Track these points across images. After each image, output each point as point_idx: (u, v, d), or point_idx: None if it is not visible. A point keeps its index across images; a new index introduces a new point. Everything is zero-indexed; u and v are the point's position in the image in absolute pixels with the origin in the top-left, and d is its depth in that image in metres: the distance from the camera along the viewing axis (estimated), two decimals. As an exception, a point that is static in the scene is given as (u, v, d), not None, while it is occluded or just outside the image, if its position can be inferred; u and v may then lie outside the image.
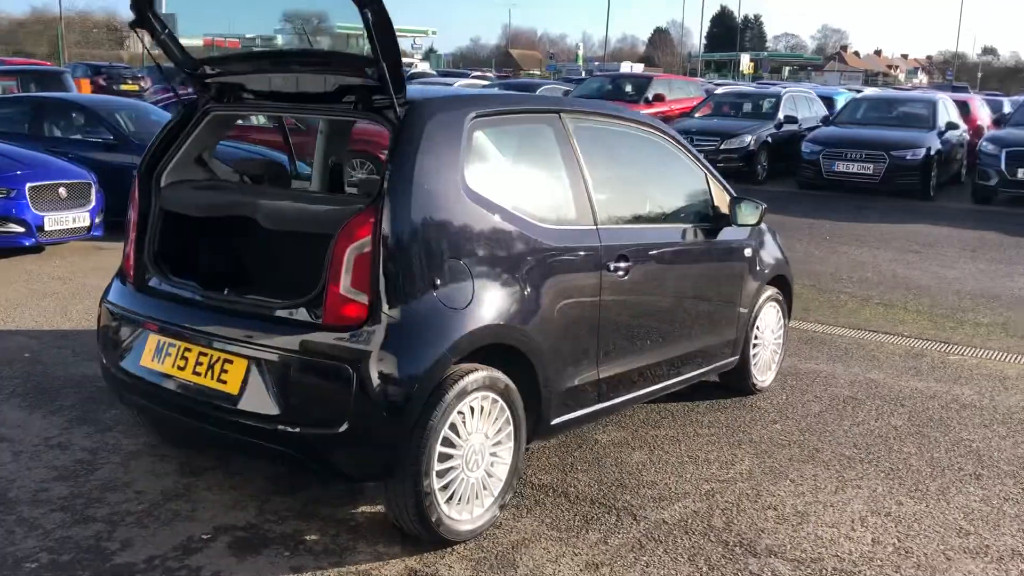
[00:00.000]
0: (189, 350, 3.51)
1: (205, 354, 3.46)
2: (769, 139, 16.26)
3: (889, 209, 13.59)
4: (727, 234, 4.92)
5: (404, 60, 3.62)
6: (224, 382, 3.37)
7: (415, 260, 3.29)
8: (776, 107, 16.94)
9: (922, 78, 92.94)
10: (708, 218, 4.84)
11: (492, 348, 3.49)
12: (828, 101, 19.43)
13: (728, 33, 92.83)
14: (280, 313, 3.36)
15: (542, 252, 3.72)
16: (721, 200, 4.92)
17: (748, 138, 15.87)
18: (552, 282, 3.75)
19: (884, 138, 14.27)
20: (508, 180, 3.77)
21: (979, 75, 79.89)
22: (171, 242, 3.91)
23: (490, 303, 3.46)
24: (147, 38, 3.81)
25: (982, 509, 4.03)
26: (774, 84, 30.81)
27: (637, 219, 4.44)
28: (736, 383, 5.36)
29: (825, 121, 17.18)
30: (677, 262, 4.60)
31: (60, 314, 6.56)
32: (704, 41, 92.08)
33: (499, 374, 3.49)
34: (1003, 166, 13.13)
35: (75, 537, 3.44)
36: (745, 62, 69.57)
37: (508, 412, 3.57)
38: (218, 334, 3.44)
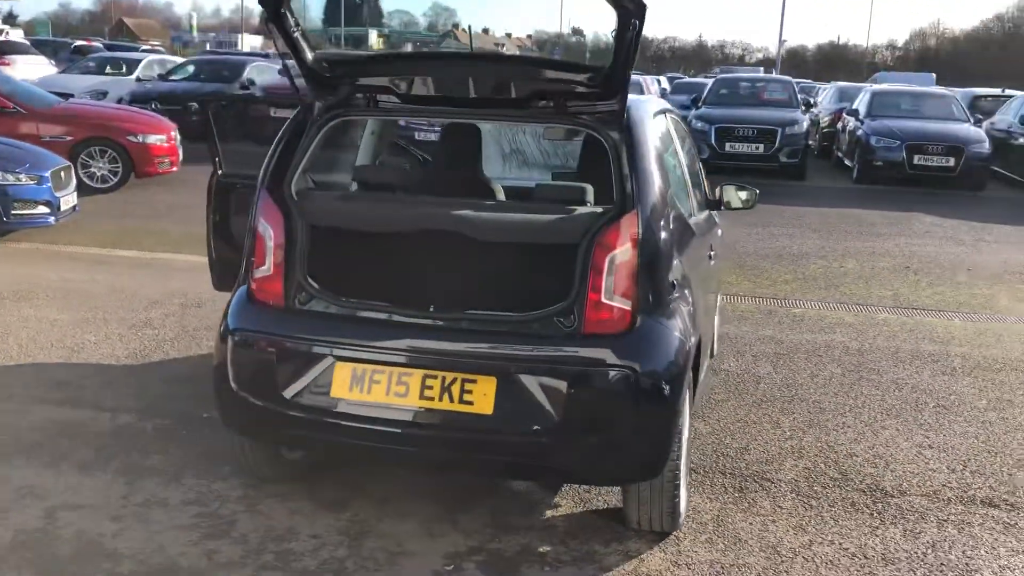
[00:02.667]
0: (408, 375, 3.27)
1: (433, 376, 3.24)
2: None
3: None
4: (715, 217, 5.39)
5: None
6: (470, 403, 3.21)
7: (662, 261, 3.37)
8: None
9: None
10: (709, 203, 5.27)
11: None
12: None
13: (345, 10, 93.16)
14: (519, 325, 3.26)
15: (699, 243, 3.96)
16: (707, 184, 5.37)
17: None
18: (701, 271, 3.99)
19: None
20: (671, 176, 3.93)
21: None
22: (320, 258, 3.55)
23: (694, 296, 3.63)
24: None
25: (984, 431, 4.90)
26: None
27: (701, 206, 4.76)
28: (704, 351, 5.87)
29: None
30: (715, 245, 5.00)
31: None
32: (324, 16, 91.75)
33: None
34: (713, 140, 15.01)
35: (326, 594, 3.11)
36: (373, 39, 70.57)
37: (688, 399, 3.77)
38: (449, 352, 3.25)
